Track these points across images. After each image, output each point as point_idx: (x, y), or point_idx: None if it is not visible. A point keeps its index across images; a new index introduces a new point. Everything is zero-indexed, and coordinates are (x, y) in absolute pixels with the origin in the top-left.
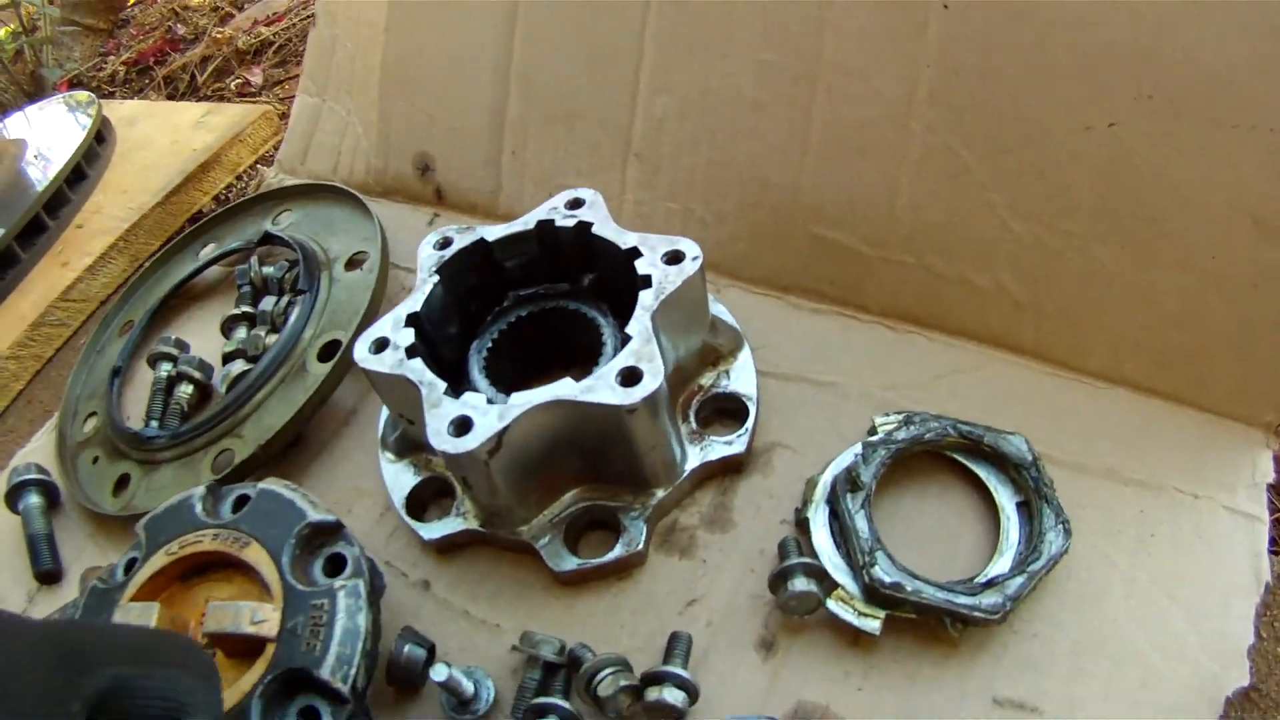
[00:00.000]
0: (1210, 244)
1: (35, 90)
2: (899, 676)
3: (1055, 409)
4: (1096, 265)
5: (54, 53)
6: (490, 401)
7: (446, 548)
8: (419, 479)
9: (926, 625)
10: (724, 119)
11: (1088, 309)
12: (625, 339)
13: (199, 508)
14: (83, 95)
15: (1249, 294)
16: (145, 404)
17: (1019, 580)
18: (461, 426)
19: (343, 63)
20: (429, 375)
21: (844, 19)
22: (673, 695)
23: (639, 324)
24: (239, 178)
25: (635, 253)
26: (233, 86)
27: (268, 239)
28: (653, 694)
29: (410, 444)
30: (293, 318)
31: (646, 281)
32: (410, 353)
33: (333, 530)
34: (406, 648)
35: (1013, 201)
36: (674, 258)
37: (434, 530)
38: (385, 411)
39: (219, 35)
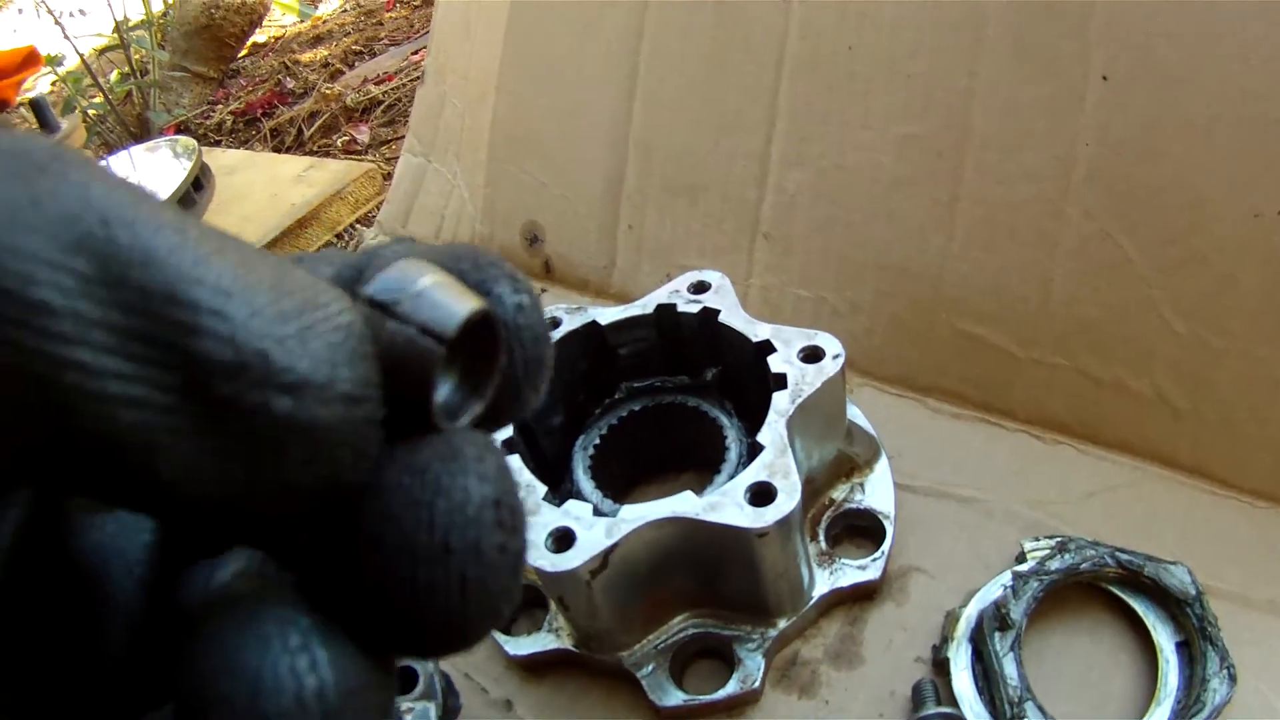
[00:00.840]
0: None
1: (141, 133)
2: None
3: (1214, 532)
4: (1261, 369)
5: (162, 97)
6: (597, 512)
7: (534, 666)
8: None
9: None
10: (860, 197)
11: (1249, 418)
12: (752, 445)
13: None
14: (187, 141)
15: None
16: None
17: None
18: (563, 541)
19: (451, 122)
20: (527, 475)
21: (993, 91)
22: None
23: (773, 431)
24: (338, 236)
25: (768, 347)
26: (339, 144)
27: None
28: None
29: None
30: None
31: (781, 382)
32: (508, 447)
33: None
34: None
35: (1175, 297)
36: (812, 355)
37: (521, 646)
38: None
39: (328, 91)
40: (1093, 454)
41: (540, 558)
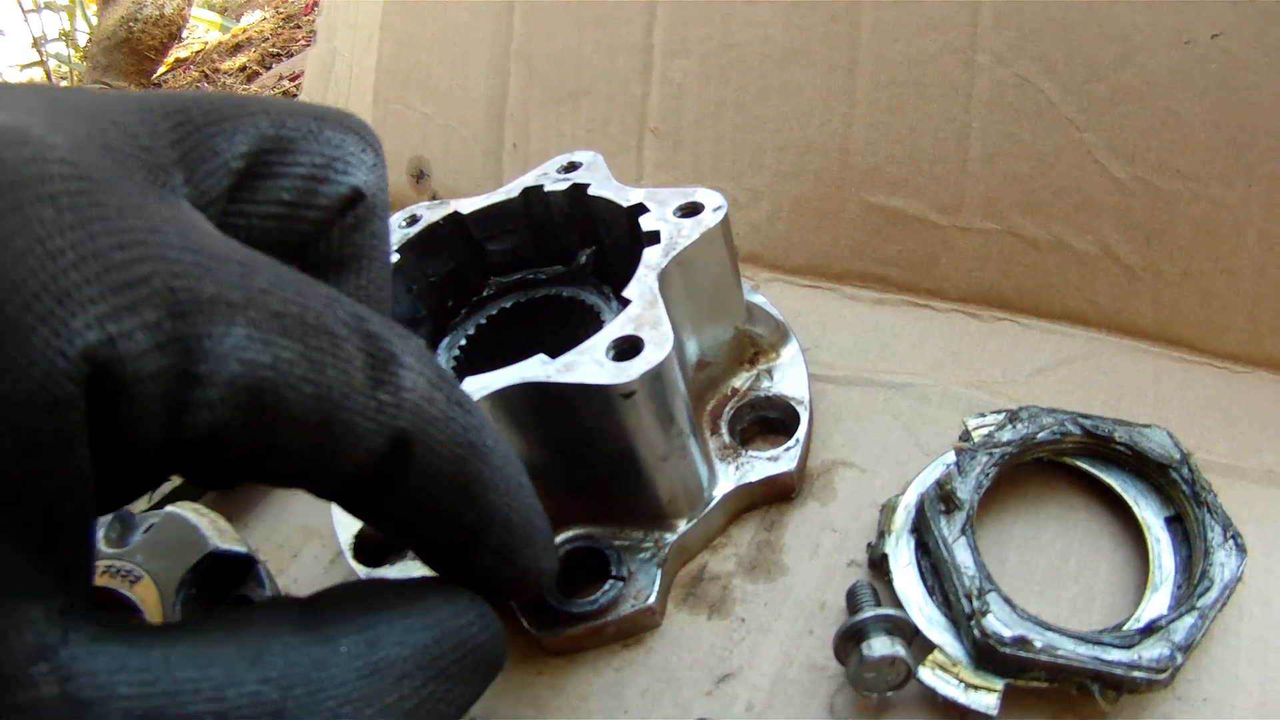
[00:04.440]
0: None
1: None
2: None
3: (1189, 401)
4: (1219, 211)
5: None
6: None
7: None
8: None
9: (1062, 696)
10: (752, 76)
11: (1214, 269)
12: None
13: (102, 535)
14: None
15: None
16: None
17: (1189, 621)
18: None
19: (340, 75)
20: None
21: None
22: None
23: (640, 285)
24: None
25: (641, 209)
26: None
27: None
28: None
29: None
30: None
31: (654, 239)
32: None
33: (241, 566)
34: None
35: (1110, 139)
36: (690, 210)
37: (388, 575)
38: None
39: (244, 92)
40: (1039, 327)
41: None
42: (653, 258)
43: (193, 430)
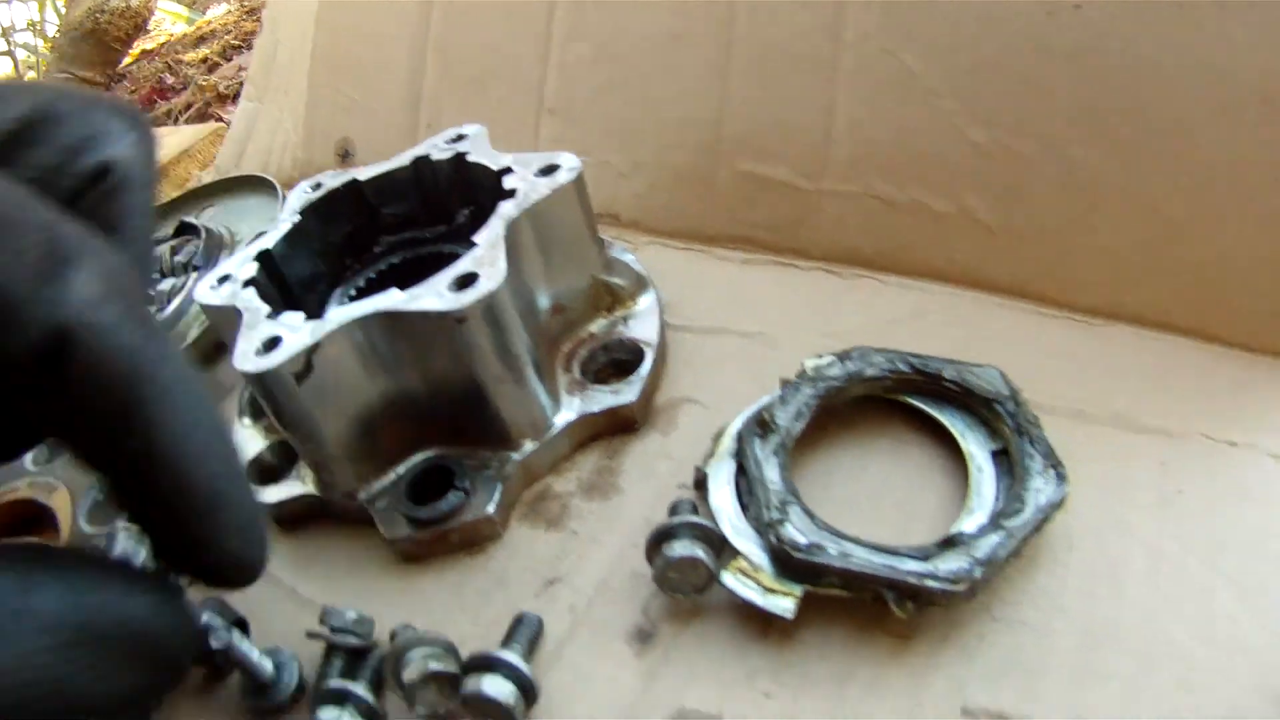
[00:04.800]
0: (1214, 136)
1: None
2: (825, 679)
3: (1043, 352)
4: (1079, 173)
5: None
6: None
7: (287, 520)
8: (269, 442)
9: (866, 609)
10: (641, 59)
11: (1074, 228)
12: None
13: (30, 457)
14: None
15: (1273, 192)
16: None
17: (994, 539)
18: (270, 345)
19: (282, 63)
20: (256, 303)
21: None
22: (497, 688)
23: (489, 231)
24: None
25: (507, 171)
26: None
27: (182, 229)
28: (471, 684)
29: (260, 408)
30: (180, 295)
31: (511, 194)
32: (247, 284)
33: None
34: (205, 616)
35: (970, 106)
36: (548, 170)
37: (272, 494)
38: None
39: (204, 83)
40: (897, 284)
41: (246, 362)
42: (506, 209)
43: None
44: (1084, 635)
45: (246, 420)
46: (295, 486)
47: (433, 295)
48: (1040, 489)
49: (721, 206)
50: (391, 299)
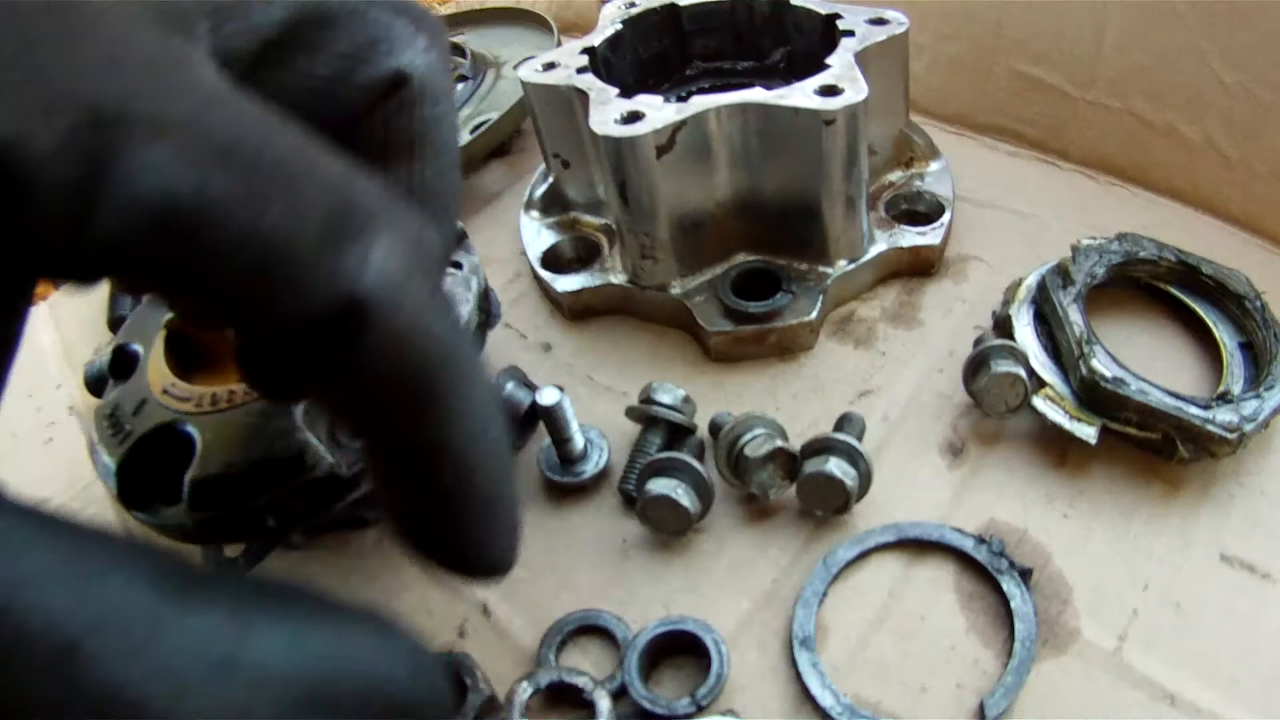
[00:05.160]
0: None
1: None
2: (1113, 510)
3: (1267, 276)
4: None
5: None
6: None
7: (581, 312)
8: (562, 237)
9: (1142, 456)
10: None
11: None
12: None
13: None
14: None
15: None
16: None
17: (1254, 403)
18: (632, 117)
19: None
20: (600, 84)
21: None
22: (841, 469)
23: (841, 56)
24: None
25: (836, 16)
26: None
27: None
28: (814, 465)
29: (559, 200)
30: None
31: (849, 34)
32: (581, 70)
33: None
34: (509, 385)
35: (1223, 49)
36: (879, 21)
37: (570, 283)
38: (534, 181)
39: None
40: (1144, 195)
41: (610, 129)
42: (849, 43)
43: (92, 242)
44: None
45: (535, 214)
46: (600, 277)
47: (802, 96)
48: None
49: (994, 99)
50: (760, 94)
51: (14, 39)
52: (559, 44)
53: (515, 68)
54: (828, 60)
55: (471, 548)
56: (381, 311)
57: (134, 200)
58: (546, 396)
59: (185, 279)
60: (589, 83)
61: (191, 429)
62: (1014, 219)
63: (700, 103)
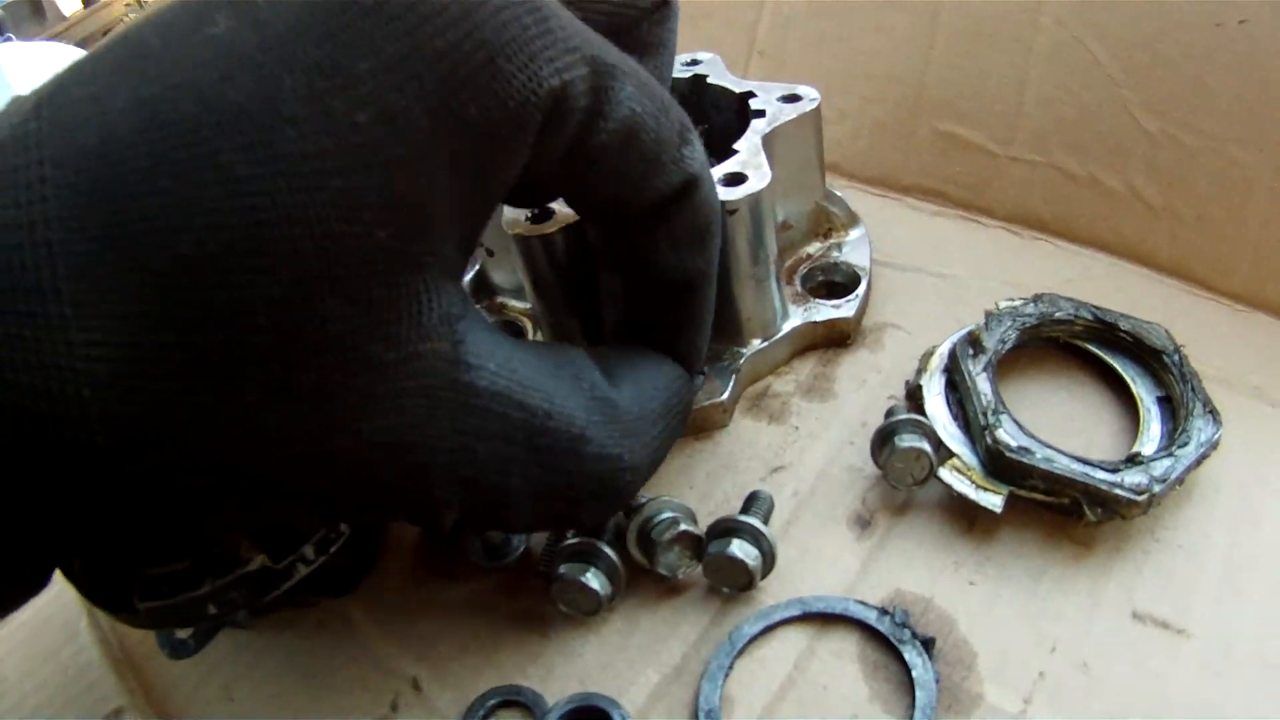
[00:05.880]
0: None
1: None
2: (1021, 574)
3: (1193, 324)
4: (1235, 168)
5: None
6: None
7: None
8: (492, 319)
9: (1053, 518)
10: (852, 15)
11: (1227, 218)
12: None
13: None
14: None
15: None
16: None
17: (1165, 462)
18: (541, 215)
19: None
20: None
21: None
22: (744, 550)
23: (748, 141)
24: None
25: (749, 94)
26: None
27: None
28: (719, 547)
29: (485, 285)
30: None
31: (760, 114)
32: None
33: None
34: None
35: (1145, 98)
36: (791, 98)
37: None
38: None
39: None
40: (1069, 248)
41: (519, 227)
42: (759, 125)
43: (588, 147)
44: (1227, 562)
45: None
46: None
47: None
48: (1201, 428)
49: (917, 159)
50: None
51: (539, 12)
52: None
53: None
54: (735, 145)
55: (696, 350)
56: (701, 184)
57: (620, 119)
58: None
59: (621, 170)
60: None
61: None
62: (934, 282)
63: None
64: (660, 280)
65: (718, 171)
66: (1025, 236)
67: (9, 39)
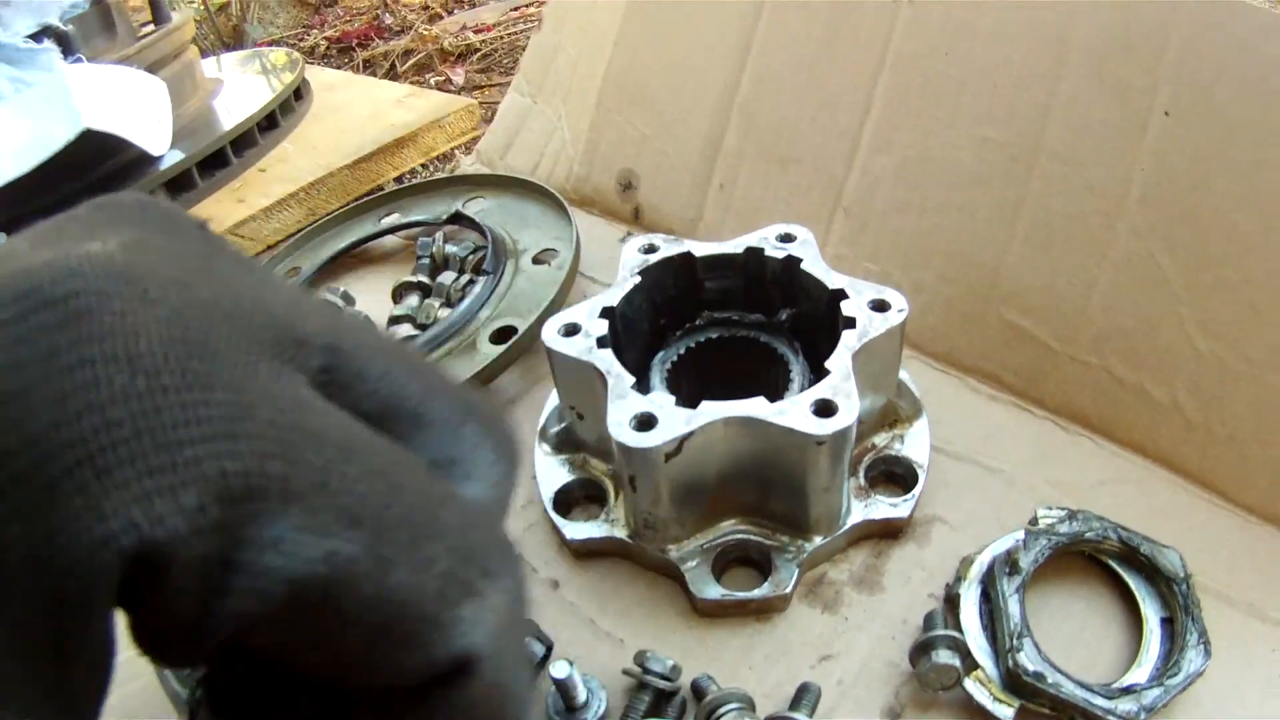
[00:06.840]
0: None
1: (236, 44)
2: None
3: (1207, 535)
4: (1272, 396)
5: (259, 14)
6: (679, 404)
7: (585, 553)
8: (573, 477)
9: None
10: (938, 188)
11: (1255, 439)
12: (816, 379)
13: None
14: (280, 54)
15: None
16: None
17: (1156, 692)
18: (645, 423)
19: (563, 69)
20: (618, 368)
21: (1068, 109)
22: None
23: (840, 360)
24: (426, 165)
25: (842, 294)
26: (432, 82)
27: (457, 218)
28: None
29: (571, 441)
30: (471, 296)
31: (851, 323)
32: (601, 343)
33: None
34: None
35: (1202, 318)
36: (880, 305)
37: (578, 531)
38: (550, 404)
39: (425, 32)
40: (1108, 448)
41: (625, 435)
42: (850, 340)
43: (220, 619)
44: None
45: (547, 448)
46: (604, 528)
47: (800, 416)
48: (1192, 660)
49: (982, 343)
50: (761, 408)
51: (138, 402)
52: (575, 237)
53: (543, 334)
54: (827, 364)
55: None
56: (487, 664)
57: (265, 577)
58: (558, 670)
59: (308, 644)
60: (607, 364)
61: None
62: (982, 475)
63: (707, 412)
64: None
65: (808, 397)
66: (1071, 431)
67: (79, 59)
